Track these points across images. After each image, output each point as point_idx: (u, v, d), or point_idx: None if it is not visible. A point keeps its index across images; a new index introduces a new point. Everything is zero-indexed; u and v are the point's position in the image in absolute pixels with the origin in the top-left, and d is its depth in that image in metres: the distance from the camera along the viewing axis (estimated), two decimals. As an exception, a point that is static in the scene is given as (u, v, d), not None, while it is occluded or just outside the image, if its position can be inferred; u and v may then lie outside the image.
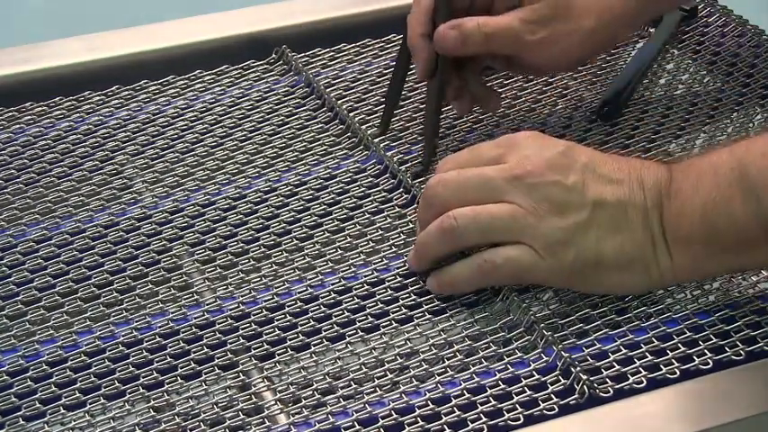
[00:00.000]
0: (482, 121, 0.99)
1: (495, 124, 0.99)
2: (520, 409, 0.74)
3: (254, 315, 0.81)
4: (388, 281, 0.84)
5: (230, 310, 0.81)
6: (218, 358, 0.78)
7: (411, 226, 0.88)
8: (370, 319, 0.81)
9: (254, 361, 0.78)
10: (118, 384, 0.76)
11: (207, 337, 0.80)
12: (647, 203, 0.78)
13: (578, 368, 0.76)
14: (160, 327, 0.80)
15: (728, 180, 0.76)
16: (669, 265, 0.78)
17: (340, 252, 0.86)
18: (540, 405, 0.74)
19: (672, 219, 0.78)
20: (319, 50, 1.08)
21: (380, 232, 0.88)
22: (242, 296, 0.83)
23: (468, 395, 0.75)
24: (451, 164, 0.83)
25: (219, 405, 0.75)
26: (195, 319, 0.81)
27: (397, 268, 0.85)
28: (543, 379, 0.76)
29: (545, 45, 0.91)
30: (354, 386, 0.76)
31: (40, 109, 1.01)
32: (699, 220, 0.77)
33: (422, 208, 0.84)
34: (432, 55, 0.92)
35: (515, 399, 0.74)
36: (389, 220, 0.89)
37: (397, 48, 1.07)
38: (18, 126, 1.00)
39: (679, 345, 0.78)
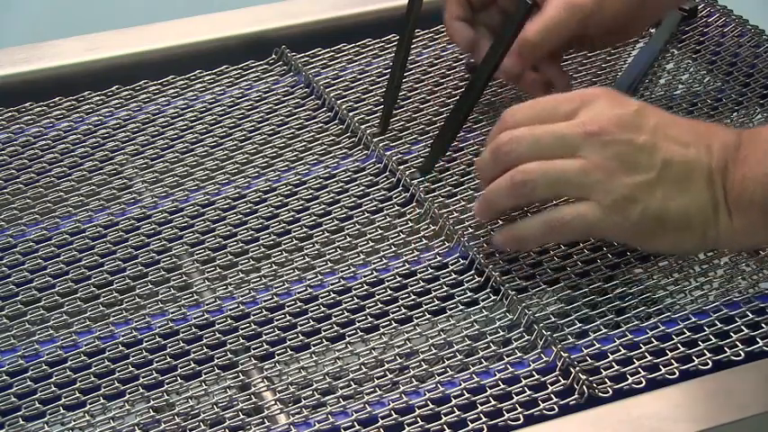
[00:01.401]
0: (482, 122, 0.99)
1: (494, 124, 0.99)
2: (519, 410, 0.74)
3: (253, 315, 0.81)
4: (388, 281, 0.84)
5: (230, 310, 0.82)
6: (217, 358, 0.78)
7: (410, 225, 0.88)
8: (370, 319, 0.81)
9: (254, 361, 0.78)
10: (117, 384, 0.76)
11: (207, 338, 0.80)
12: (712, 167, 0.79)
13: (578, 368, 0.76)
14: (160, 327, 0.80)
15: None
16: (727, 228, 0.79)
17: (339, 252, 0.86)
18: (539, 405, 0.74)
19: (735, 184, 0.79)
20: (319, 50, 1.08)
21: (380, 232, 0.88)
22: (242, 296, 0.83)
23: (467, 395, 0.75)
24: (520, 115, 0.84)
25: (219, 405, 0.75)
26: (195, 319, 0.81)
27: (397, 268, 0.85)
28: (543, 379, 0.76)
29: (597, 18, 0.93)
30: (354, 386, 0.76)
31: (40, 109, 1.01)
32: (762, 188, 0.78)
33: (488, 162, 0.84)
34: (471, 36, 0.95)
35: (515, 399, 0.75)
36: (389, 219, 0.89)
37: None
38: (18, 126, 1.00)
39: (678, 345, 0.78)
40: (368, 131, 0.98)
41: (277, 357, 0.78)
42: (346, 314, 0.81)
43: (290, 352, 0.79)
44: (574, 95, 0.83)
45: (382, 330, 0.80)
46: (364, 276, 0.84)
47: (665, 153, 0.79)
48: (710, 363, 0.77)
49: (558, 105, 0.83)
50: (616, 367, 0.76)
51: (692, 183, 0.79)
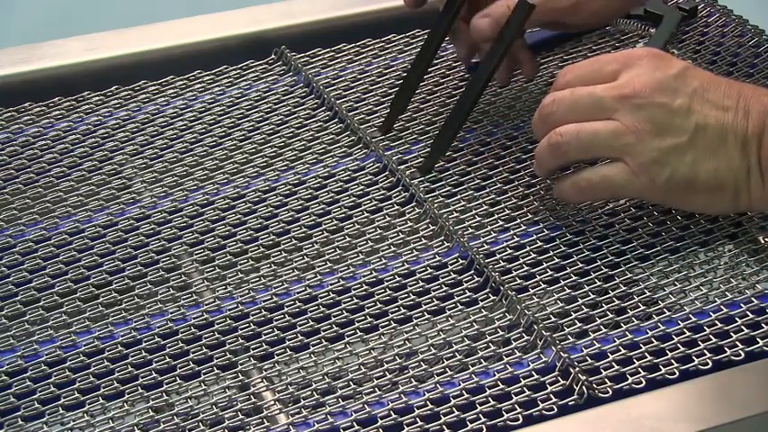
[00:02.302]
0: (482, 122, 0.99)
1: (494, 124, 0.99)
2: (519, 410, 0.74)
3: (253, 315, 0.81)
4: (387, 281, 0.84)
5: (229, 310, 0.81)
6: (217, 358, 0.78)
7: (410, 224, 0.88)
8: (369, 319, 0.81)
9: (254, 361, 0.78)
10: (117, 384, 0.76)
11: (206, 338, 0.80)
12: (748, 132, 0.81)
13: (577, 368, 0.76)
14: (159, 327, 0.80)
15: None
16: (759, 193, 0.81)
17: (339, 252, 0.86)
18: (539, 405, 0.74)
19: None
20: (319, 50, 1.08)
21: (379, 231, 0.88)
22: (241, 296, 0.83)
23: (467, 395, 0.75)
24: (570, 75, 0.86)
25: (219, 405, 0.75)
26: (194, 319, 0.81)
27: (396, 268, 0.85)
28: (542, 379, 0.76)
29: (576, 8, 0.95)
30: (353, 386, 0.76)
31: (39, 109, 1.01)
32: None
33: (537, 123, 0.87)
34: None
35: (514, 399, 0.74)
36: (388, 218, 0.89)
37: (398, 48, 1.08)
38: (17, 126, 1.00)
39: (678, 345, 0.78)
40: (368, 131, 0.98)
41: (276, 357, 0.78)
42: (345, 314, 0.81)
43: (290, 352, 0.79)
44: (619, 56, 0.85)
45: (381, 330, 0.80)
46: (363, 276, 0.84)
47: (699, 117, 0.81)
48: (710, 363, 0.77)
49: (604, 66, 0.85)
50: (616, 367, 0.76)
51: (725, 147, 0.81)
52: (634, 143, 0.81)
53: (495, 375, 0.76)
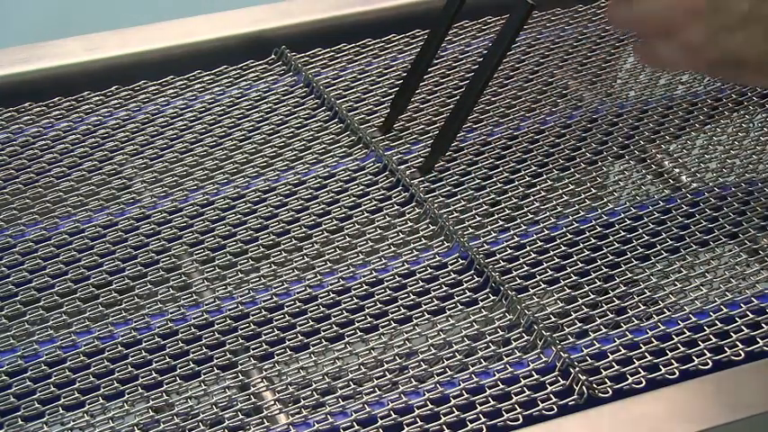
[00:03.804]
0: (482, 122, 0.99)
1: (495, 124, 0.99)
2: (519, 410, 0.74)
3: (253, 315, 0.81)
4: (387, 281, 0.84)
5: (229, 310, 0.81)
6: (217, 358, 0.78)
7: (410, 224, 0.88)
8: (369, 319, 0.81)
9: (254, 361, 0.78)
10: (117, 384, 0.76)
11: (206, 338, 0.80)
12: None
13: (577, 368, 0.76)
14: (159, 327, 0.80)
15: None
16: None
17: (339, 252, 0.86)
18: (539, 405, 0.74)
19: None
20: (319, 50, 1.08)
21: (379, 231, 0.88)
22: (241, 296, 0.83)
23: (467, 395, 0.75)
24: None
25: (219, 405, 0.75)
26: (194, 319, 0.81)
27: (396, 268, 0.85)
28: (542, 379, 0.76)
29: None
30: (353, 386, 0.76)
31: (39, 109, 1.01)
32: None
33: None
34: None
35: (514, 399, 0.74)
36: (388, 218, 0.89)
37: (398, 48, 1.08)
38: (17, 126, 1.00)
39: (678, 345, 0.78)
40: (368, 131, 0.98)
41: (276, 357, 0.78)
42: (345, 314, 0.81)
43: (290, 352, 0.79)
44: None
45: (381, 330, 0.80)
46: (363, 276, 0.84)
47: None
48: (710, 363, 0.77)
49: None
50: (616, 367, 0.76)
51: None
52: (686, 20, 0.80)
53: (495, 375, 0.76)
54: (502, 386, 0.75)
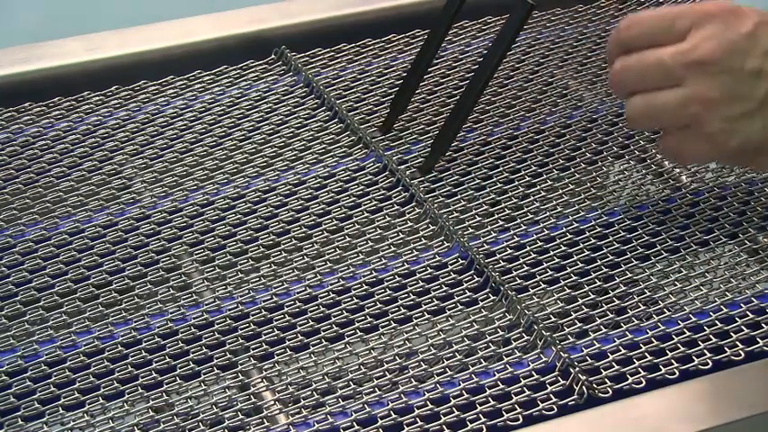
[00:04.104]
0: (482, 122, 0.99)
1: (495, 124, 0.99)
2: (519, 410, 0.74)
3: (253, 315, 0.81)
4: (387, 281, 0.84)
5: (229, 310, 0.81)
6: (217, 358, 0.78)
7: (410, 224, 0.88)
8: (369, 319, 0.81)
9: (254, 361, 0.78)
10: (117, 384, 0.76)
11: (206, 338, 0.79)
12: None
13: (577, 368, 0.76)
14: (159, 327, 0.80)
15: None
16: None
17: (339, 252, 0.86)
18: (539, 405, 0.74)
19: None
20: (319, 50, 1.08)
21: (379, 231, 0.88)
22: (241, 296, 0.83)
23: (467, 395, 0.75)
24: (636, 30, 0.82)
25: (219, 405, 0.75)
26: (194, 319, 0.81)
27: (396, 268, 0.85)
28: (542, 379, 0.76)
29: None
30: (353, 386, 0.76)
31: (39, 109, 1.01)
32: None
33: (613, 84, 0.84)
34: None
35: (514, 399, 0.74)
36: (388, 218, 0.89)
37: (398, 48, 1.08)
38: (17, 126, 1.00)
39: (678, 345, 0.78)
40: (368, 131, 0.98)
41: (276, 357, 0.78)
42: (345, 314, 0.81)
43: (290, 352, 0.79)
44: (690, 12, 0.81)
45: (382, 330, 0.80)
46: (364, 276, 0.84)
47: None
48: (710, 363, 0.77)
49: (674, 23, 0.81)
50: (616, 367, 0.76)
51: None
52: (702, 113, 0.79)
53: (495, 375, 0.76)
54: (502, 386, 0.75)
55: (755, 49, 0.79)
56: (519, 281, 0.83)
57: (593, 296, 0.82)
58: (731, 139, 0.79)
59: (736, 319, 0.80)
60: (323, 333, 0.80)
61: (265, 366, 0.78)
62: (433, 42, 0.96)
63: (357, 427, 0.73)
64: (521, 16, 0.90)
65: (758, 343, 0.78)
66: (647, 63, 0.81)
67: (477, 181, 0.92)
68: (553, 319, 0.80)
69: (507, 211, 0.89)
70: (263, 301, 0.82)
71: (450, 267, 0.85)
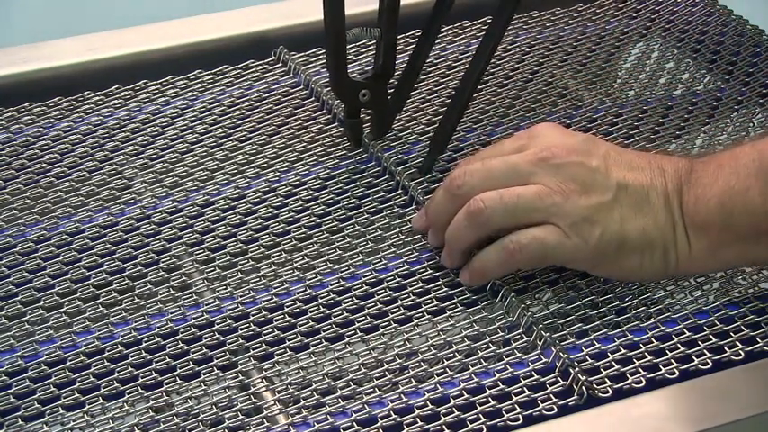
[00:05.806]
0: (482, 122, 0.99)
1: (494, 124, 0.99)
2: (519, 410, 0.74)
3: (253, 315, 0.81)
4: (387, 281, 0.84)
5: (229, 310, 0.81)
6: (217, 358, 0.78)
7: (410, 226, 0.88)
8: (370, 319, 0.81)
9: (254, 361, 0.78)
10: (117, 385, 0.76)
11: (206, 338, 0.80)
12: (668, 189, 0.80)
13: (577, 368, 0.76)
14: (159, 327, 0.80)
15: (748, 170, 0.78)
16: (687, 250, 0.79)
17: (339, 252, 0.86)
18: (539, 405, 0.74)
19: (690, 204, 0.79)
20: (318, 50, 1.08)
21: (379, 233, 0.88)
22: (241, 296, 0.83)
23: (467, 395, 0.75)
24: (474, 159, 0.84)
25: (219, 405, 0.75)
26: (194, 319, 0.81)
27: (396, 269, 0.85)
28: (542, 379, 0.76)
29: None
30: (353, 386, 0.76)
31: (39, 109, 1.01)
32: (716, 206, 0.78)
33: (442, 202, 0.83)
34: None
35: (514, 399, 0.74)
36: (388, 220, 0.89)
37: (398, 48, 1.07)
38: (17, 126, 1.00)
39: (678, 345, 0.78)
40: (367, 132, 0.98)
41: (276, 357, 0.78)
42: (346, 314, 0.81)
43: (290, 352, 0.79)
44: (521, 134, 0.84)
45: (382, 331, 0.80)
46: (364, 276, 0.84)
47: (618, 176, 0.80)
48: (710, 363, 0.77)
49: (510, 144, 0.83)
50: (616, 367, 0.76)
51: (650, 204, 0.79)
52: (561, 204, 0.78)
53: (495, 375, 0.76)
54: (502, 386, 0.75)
55: (596, 151, 0.80)
56: (519, 281, 0.83)
57: (593, 296, 0.82)
58: (594, 230, 0.78)
59: (736, 319, 0.80)
60: (323, 333, 0.80)
61: (265, 366, 0.78)
62: (424, 43, 0.96)
63: (357, 427, 0.73)
64: (509, 10, 0.89)
65: (758, 343, 0.78)
66: (492, 163, 0.81)
67: (478, 181, 0.92)
68: (553, 319, 0.80)
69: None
70: (264, 302, 0.82)
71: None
